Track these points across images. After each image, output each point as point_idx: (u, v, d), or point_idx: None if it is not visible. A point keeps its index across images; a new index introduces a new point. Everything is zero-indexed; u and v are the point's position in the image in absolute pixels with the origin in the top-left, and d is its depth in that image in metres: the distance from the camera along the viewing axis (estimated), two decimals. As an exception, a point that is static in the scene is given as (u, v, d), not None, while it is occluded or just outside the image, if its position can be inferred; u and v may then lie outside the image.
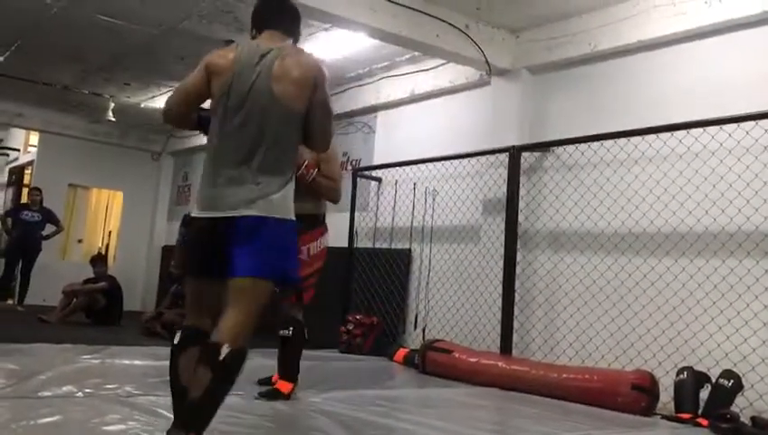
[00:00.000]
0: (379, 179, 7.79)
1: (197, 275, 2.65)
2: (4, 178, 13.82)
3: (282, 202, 2.53)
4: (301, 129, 2.64)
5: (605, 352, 5.27)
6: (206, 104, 2.74)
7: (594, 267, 5.48)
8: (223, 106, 2.60)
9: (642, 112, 5.32)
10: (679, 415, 4.32)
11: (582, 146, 5.64)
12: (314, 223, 4.19)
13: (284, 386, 3.99)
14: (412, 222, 7.19)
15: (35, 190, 10.79)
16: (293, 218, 2.58)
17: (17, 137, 13.41)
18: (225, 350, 2.33)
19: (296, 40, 2.86)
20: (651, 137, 5.12)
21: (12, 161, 13.66)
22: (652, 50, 5.45)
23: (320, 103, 2.63)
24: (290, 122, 2.59)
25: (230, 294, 2.49)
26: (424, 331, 6.79)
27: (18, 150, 13.44)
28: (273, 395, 3.92)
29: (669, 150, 5.06)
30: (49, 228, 10.12)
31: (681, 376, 4.47)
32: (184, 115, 2.82)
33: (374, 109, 8.07)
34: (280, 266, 2.54)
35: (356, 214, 7.67)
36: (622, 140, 5.32)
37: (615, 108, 5.62)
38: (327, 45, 7.02)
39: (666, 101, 5.25)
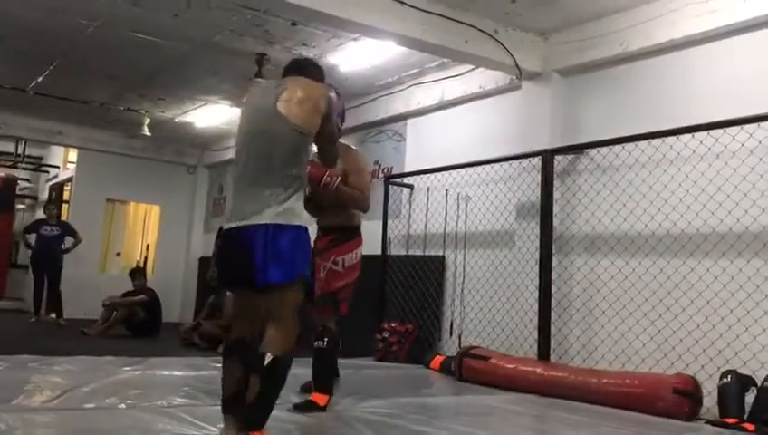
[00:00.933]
0: (410, 187, 7.79)
1: (231, 286, 2.84)
2: (45, 194, 14.15)
3: (289, 210, 2.78)
4: (308, 145, 2.91)
5: (645, 356, 5.19)
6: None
7: (632, 270, 5.40)
8: (241, 130, 3.02)
9: (676, 112, 5.24)
10: (724, 420, 4.22)
11: (616, 147, 5.57)
12: (348, 234, 4.21)
13: (320, 398, 3.99)
14: (445, 228, 7.17)
15: (51, 205, 11.03)
16: (301, 224, 2.83)
17: (57, 154, 13.74)
18: (267, 359, 2.66)
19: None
20: (687, 136, 5.04)
21: (52, 178, 13.98)
22: (685, 48, 5.37)
23: (324, 120, 2.93)
24: (295, 140, 2.86)
25: (263, 304, 2.76)
26: (460, 338, 6.76)
27: (58, 167, 13.76)
28: (309, 407, 3.92)
29: (706, 149, 4.97)
30: (69, 242, 10.30)
31: (725, 380, 4.38)
32: None
33: (404, 116, 8.09)
34: (293, 270, 2.76)
35: (388, 221, 7.68)
36: (657, 141, 5.24)
37: (648, 108, 5.55)
38: (356, 55, 7.07)
39: (701, 100, 5.16)
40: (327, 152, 3.19)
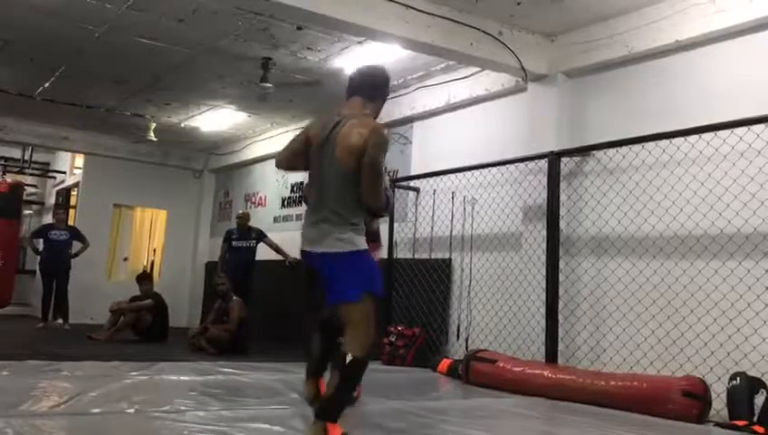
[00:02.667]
0: (417, 190, 7.78)
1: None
2: (52, 200, 14.20)
3: (349, 239, 3.15)
4: (357, 184, 3.18)
5: (653, 359, 5.16)
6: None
7: (639, 272, 5.38)
8: (311, 166, 3.38)
9: (683, 113, 5.22)
10: (734, 422, 4.20)
11: (623, 149, 5.55)
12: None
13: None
14: (452, 231, 7.16)
15: (60, 209, 11.05)
16: (360, 249, 3.17)
17: (63, 160, 13.79)
18: (348, 358, 3.06)
19: (377, 101, 3.49)
20: (694, 138, 5.02)
21: (59, 184, 14.03)
22: (691, 49, 5.35)
23: (366, 164, 3.16)
24: (347, 180, 3.17)
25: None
26: (467, 341, 6.74)
27: (65, 173, 13.80)
28: None
29: (713, 151, 4.95)
30: (77, 246, 10.32)
31: (734, 382, 4.35)
32: (291, 167, 3.58)
33: (410, 119, 8.08)
34: (360, 287, 3.14)
35: (395, 224, 7.68)
36: (664, 142, 5.22)
37: (655, 109, 5.53)
38: (361, 59, 7.05)
39: (707, 101, 5.14)
40: (369, 184, 3.24)
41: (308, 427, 3.20)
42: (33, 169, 13.79)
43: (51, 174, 14.34)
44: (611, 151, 5.67)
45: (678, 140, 5.13)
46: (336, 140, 3.20)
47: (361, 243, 3.20)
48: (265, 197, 10.97)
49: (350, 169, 3.16)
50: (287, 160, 3.50)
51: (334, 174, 3.20)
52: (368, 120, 3.28)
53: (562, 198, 5.95)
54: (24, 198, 14.25)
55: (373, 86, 3.48)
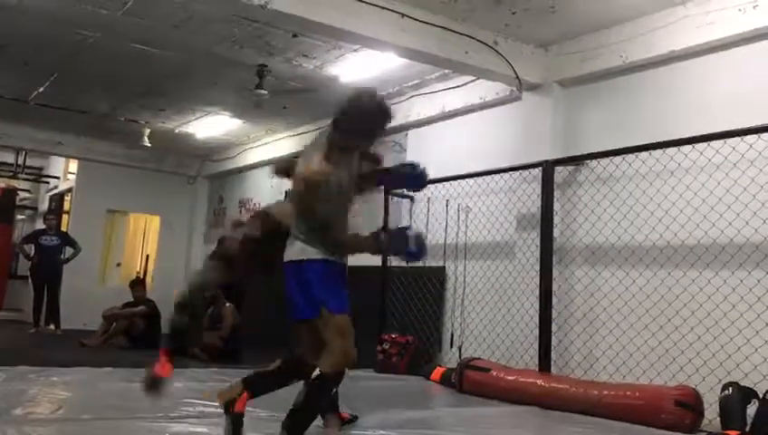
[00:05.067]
0: (411, 198, 7.78)
1: None
2: (45, 205, 14.15)
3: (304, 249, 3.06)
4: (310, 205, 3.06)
5: (646, 368, 5.17)
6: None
7: (633, 281, 5.39)
8: None
9: (677, 123, 5.24)
10: (726, 432, 4.20)
11: (617, 159, 5.57)
12: None
13: None
14: (446, 239, 7.16)
15: (50, 215, 11.02)
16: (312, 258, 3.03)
17: (57, 165, 13.75)
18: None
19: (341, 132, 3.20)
20: (687, 147, 5.04)
21: (52, 189, 13.99)
22: (685, 59, 5.38)
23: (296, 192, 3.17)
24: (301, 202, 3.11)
25: None
26: (460, 349, 6.74)
27: (58, 178, 13.77)
28: None
29: (706, 161, 4.97)
30: (68, 252, 10.28)
31: (726, 392, 4.35)
32: None
33: (405, 127, 8.08)
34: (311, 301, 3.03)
35: (389, 232, 7.66)
36: (657, 152, 5.24)
37: (649, 119, 5.55)
38: (356, 67, 7.08)
39: (701, 111, 5.17)
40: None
41: None
42: (26, 173, 13.74)
43: (44, 179, 14.30)
44: (605, 161, 5.69)
45: (672, 150, 5.15)
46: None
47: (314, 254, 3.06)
48: (259, 203, 10.95)
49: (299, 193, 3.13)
50: None
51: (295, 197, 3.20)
52: (310, 156, 3.14)
53: (556, 206, 5.96)
54: (17, 203, 14.22)
55: (342, 112, 3.24)
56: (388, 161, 3.73)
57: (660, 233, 5.25)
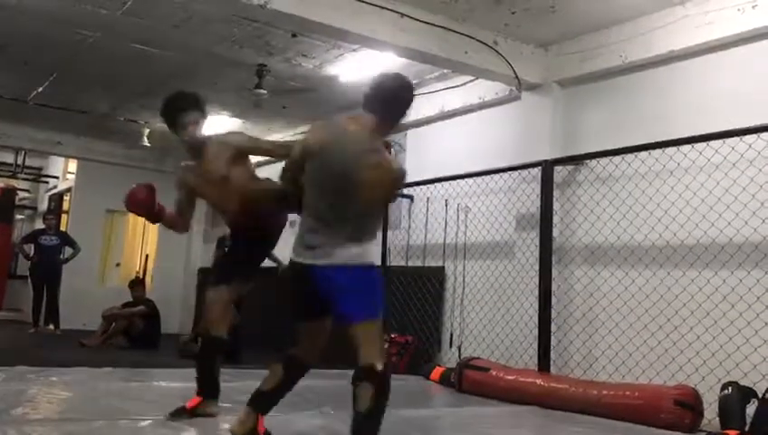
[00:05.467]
0: (410, 197, 7.78)
1: None
2: (45, 205, 14.15)
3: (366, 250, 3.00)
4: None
5: (645, 368, 5.17)
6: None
7: (632, 281, 5.40)
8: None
9: (676, 122, 5.25)
10: (726, 432, 4.20)
11: (616, 158, 5.57)
12: None
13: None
14: (445, 239, 7.16)
15: (50, 215, 11.02)
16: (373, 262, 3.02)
17: (56, 164, 13.75)
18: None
19: (381, 118, 3.09)
20: (686, 147, 5.04)
21: (51, 189, 13.98)
22: (684, 59, 5.39)
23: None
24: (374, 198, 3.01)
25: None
26: (460, 349, 6.74)
27: (57, 178, 13.76)
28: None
29: (705, 160, 4.97)
30: (68, 252, 10.28)
31: (726, 391, 4.36)
32: None
33: (404, 127, 8.07)
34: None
35: (388, 232, 7.67)
36: (657, 152, 5.25)
37: (648, 119, 5.56)
38: (356, 66, 7.08)
39: (700, 110, 5.18)
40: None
41: None
42: (25, 173, 13.73)
43: (43, 179, 14.29)
44: (605, 160, 5.69)
45: (671, 150, 5.15)
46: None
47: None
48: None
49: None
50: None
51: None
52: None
53: (556, 206, 5.96)
54: (17, 202, 14.21)
55: (383, 98, 3.17)
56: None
57: (659, 233, 5.25)
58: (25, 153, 12.95)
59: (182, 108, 4.16)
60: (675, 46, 5.35)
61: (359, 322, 2.91)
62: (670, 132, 5.13)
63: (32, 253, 10.35)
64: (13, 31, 6.75)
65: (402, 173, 3.04)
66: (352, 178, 2.86)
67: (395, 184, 3.04)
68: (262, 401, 3.10)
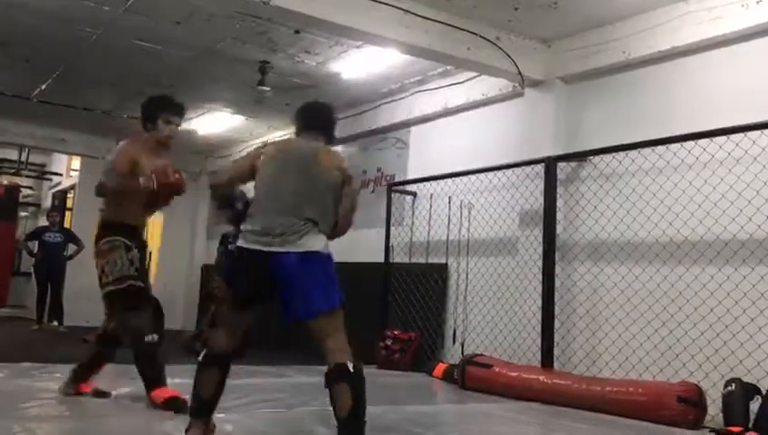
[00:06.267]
0: (413, 194, 7.78)
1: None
2: (48, 202, 14.17)
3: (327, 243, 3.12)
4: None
5: (649, 365, 5.16)
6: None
7: (636, 278, 5.39)
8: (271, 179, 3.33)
9: (679, 119, 5.23)
10: (729, 428, 4.19)
11: (620, 155, 5.56)
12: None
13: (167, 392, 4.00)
14: (448, 236, 7.16)
15: (54, 212, 11.03)
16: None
17: (60, 162, 13.76)
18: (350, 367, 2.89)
19: (329, 137, 3.40)
20: (690, 144, 5.03)
21: (55, 186, 14.00)
22: (688, 55, 5.37)
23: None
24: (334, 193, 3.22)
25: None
26: (463, 345, 6.74)
27: (61, 175, 13.77)
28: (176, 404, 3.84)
29: (709, 157, 4.96)
30: (72, 249, 10.30)
31: (729, 388, 4.35)
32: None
33: (407, 124, 8.09)
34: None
35: (391, 229, 7.67)
36: (660, 148, 5.24)
37: (652, 115, 5.54)
38: (359, 63, 7.08)
39: (704, 107, 5.16)
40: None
41: None
42: (29, 170, 13.76)
43: (47, 176, 14.31)
44: (608, 157, 5.68)
45: (675, 146, 5.14)
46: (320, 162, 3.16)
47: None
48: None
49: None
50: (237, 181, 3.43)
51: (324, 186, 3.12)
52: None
53: (559, 203, 5.96)
54: (20, 200, 14.24)
55: (329, 120, 3.44)
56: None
57: (663, 229, 5.24)
58: (29, 150, 12.96)
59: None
60: (677, 42, 5.33)
61: (325, 312, 2.93)
62: (673, 129, 5.12)
63: (36, 250, 10.37)
64: (16, 29, 6.76)
65: (348, 167, 3.25)
66: (312, 165, 3.12)
67: (344, 170, 3.19)
68: (207, 409, 3.06)
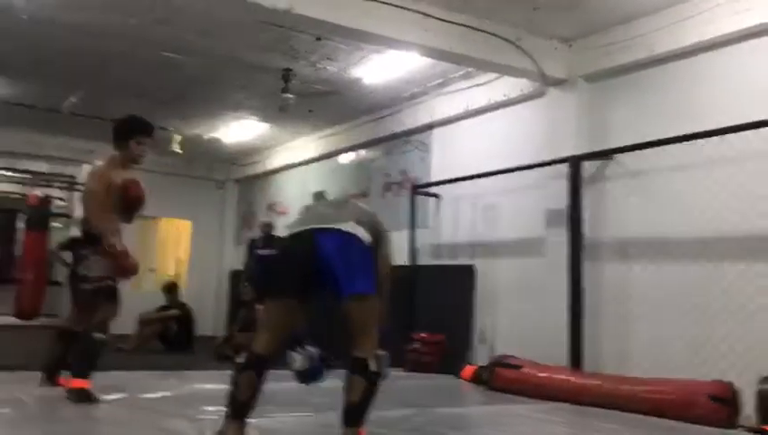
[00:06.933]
0: (437, 196, 7.78)
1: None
2: (79, 212, 14.39)
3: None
4: None
5: (680, 363, 5.10)
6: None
7: (664, 275, 5.33)
8: None
9: (705, 114, 5.17)
10: (764, 427, 4.14)
11: (645, 152, 5.51)
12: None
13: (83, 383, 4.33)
14: (473, 237, 7.15)
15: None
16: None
17: (90, 172, 13.97)
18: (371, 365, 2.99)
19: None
20: (716, 139, 4.97)
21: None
22: (714, 49, 5.30)
23: None
24: None
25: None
26: (491, 347, 6.72)
27: (91, 185, 13.97)
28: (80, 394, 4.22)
29: (736, 152, 4.90)
30: None
31: (764, 386, 4.30)
32: None
33: (430, 126, 8.10)
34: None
35: (416, 231, 7.68)
36: (686, 144, 5.18)
37: (677, 111, 5.49)
38: (380, 68, 7.11)
39: (730, 102, 5.09)
40: None
41: None
42: (60, 181, 13.99)
43: (77, 186, 14.55)
44: (633, 154, 5.63)
45: (701, 142, 5.08)
46: None
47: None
48: (287, 205, 11.03)
49: None
50: None
51: None
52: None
53: (585, 202, 5.92)
54: (52, 211, 14.49)
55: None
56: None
57: (691, 226, 5.19)
58: (59, 162, 13.19)
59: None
60: (704, 36, 5.27)
61: (358, 293, 3.01)
62: (700, 124, 5.06)
63: (69, 260, 10.52)
64: (46, 44, 6.91)
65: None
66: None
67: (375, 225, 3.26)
68: (243, 412, 3.09)
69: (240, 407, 3.06)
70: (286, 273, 3.14)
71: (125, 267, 4.78)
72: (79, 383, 4.29)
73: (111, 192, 4.64)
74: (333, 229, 3.06)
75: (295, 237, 3.16)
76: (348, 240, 3.05)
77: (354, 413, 3.01)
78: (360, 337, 3.03)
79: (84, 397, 4.19)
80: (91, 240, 4.73)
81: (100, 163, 4.98)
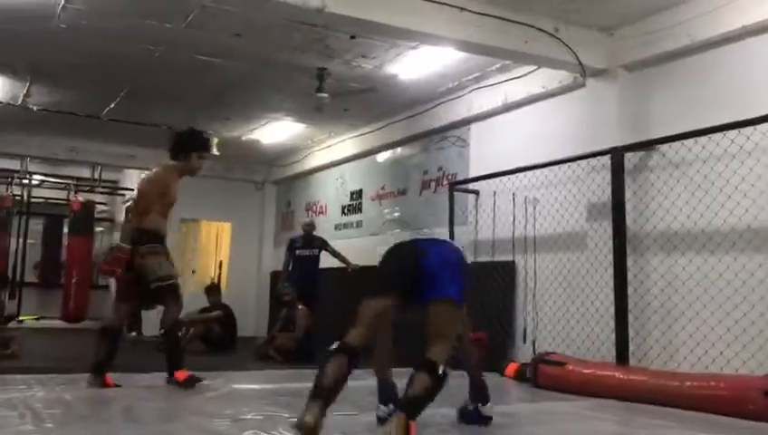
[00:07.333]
0: (476, 192, 7.72)
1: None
2: (122, 216, 14.66)
3: None
4: None
5: (730, 357, 4.96)
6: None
7: (712, 268, 5.19)
8: None
9: (751, 101, 5.02)
10: (820, 422, 4.00)
11: (689, 142, 5.37)
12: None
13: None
14: (514, 233, 7.06)
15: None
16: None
17: (131, 177, 14.22)
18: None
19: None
20: (764, 126, 4.82)
21: (127, 201, 14.48)
22: (759, 34, 5.14)
23: None
24: None
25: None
26: (534, 343, 6.64)
27: (132, 190, 14.23)
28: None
29: (786, 139, 4.74)
30: None
31: (819, 379, 4.15)
32: None
33: (467, 121, 8.03)
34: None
35: (455, 228, 7.62)
36: (732, 133, 5.03)
37: (721, 99, 5.33)
38: (416, 63, 7.08)
39: (778, 87, 4.94)
40: None
41: (388, 421, 3.10)
42: (102, 187, 14.28)
43: (119, 192, 14.83)
44: (677, 144, 5.50)
45: (747, 130, 4.93)
46: None
47: None
48: (326, 205, 11.07)
49: None
50: None
51: None
52: None
53: (628, 194, 5.80)
54: (96, 215, 14.79)
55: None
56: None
57: (738, 216, 5.04)
58: (101, 168, 13.46)
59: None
60: (747, 21, 5.12)
61: (445, 297, 3.25)
62: (745, 112, 4.91)
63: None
64: (84, 51, 7.03)
65: None
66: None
67: None
68: (323, 396, 3.08)
69: (323, 393, 3.06)
70: (394, 273, 3.38)
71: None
72: (183, 375, 4.87)
73: (165, 199, 5.06)
74: (442, 240, 3.56)
75: (405, 244, 3.49)
76: (455, 250, 3.51)
77: (413, 405, 3.07)
78: (437, 342, 3.23)
79: (194, 382, 4.86)
80: (149, 239, 5.06)
81: (156, 169, 5.37)
